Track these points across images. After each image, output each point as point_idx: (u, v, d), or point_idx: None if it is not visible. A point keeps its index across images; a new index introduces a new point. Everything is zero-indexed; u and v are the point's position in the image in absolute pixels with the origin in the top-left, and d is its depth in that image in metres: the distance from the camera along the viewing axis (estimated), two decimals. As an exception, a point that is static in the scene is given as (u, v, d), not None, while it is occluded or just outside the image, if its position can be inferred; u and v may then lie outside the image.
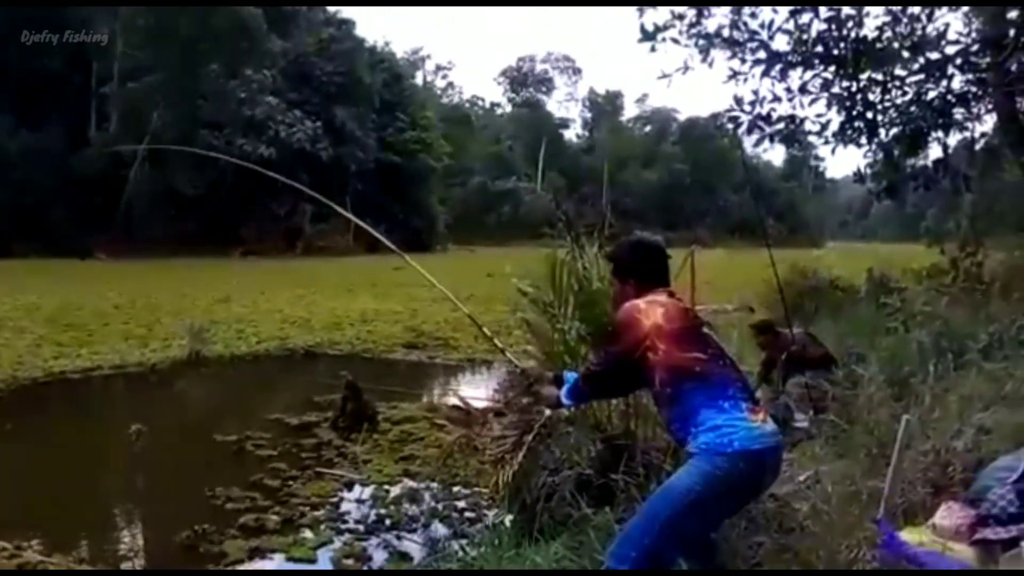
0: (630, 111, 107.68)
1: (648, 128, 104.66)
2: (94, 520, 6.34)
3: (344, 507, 6.15)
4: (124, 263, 34.26)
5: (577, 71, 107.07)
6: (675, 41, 7.99)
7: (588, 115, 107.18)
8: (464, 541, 5.07)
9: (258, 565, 5.14)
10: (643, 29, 7.81)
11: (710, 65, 8.09)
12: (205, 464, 7.56)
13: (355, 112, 52.68)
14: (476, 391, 10.85)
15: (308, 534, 5.58)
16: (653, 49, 7.85)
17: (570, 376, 3.41)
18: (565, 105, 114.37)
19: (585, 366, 3.22)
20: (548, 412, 4.42)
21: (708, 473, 2.72)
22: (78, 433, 8.90)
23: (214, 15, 41.06)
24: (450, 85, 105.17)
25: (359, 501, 6.23)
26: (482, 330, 4.69)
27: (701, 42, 8.03)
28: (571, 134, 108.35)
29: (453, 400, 6.88)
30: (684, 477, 2.79)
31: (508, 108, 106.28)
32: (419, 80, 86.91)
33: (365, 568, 5.05)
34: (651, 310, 2.96)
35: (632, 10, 7.93)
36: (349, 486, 6.60)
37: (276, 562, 5.17)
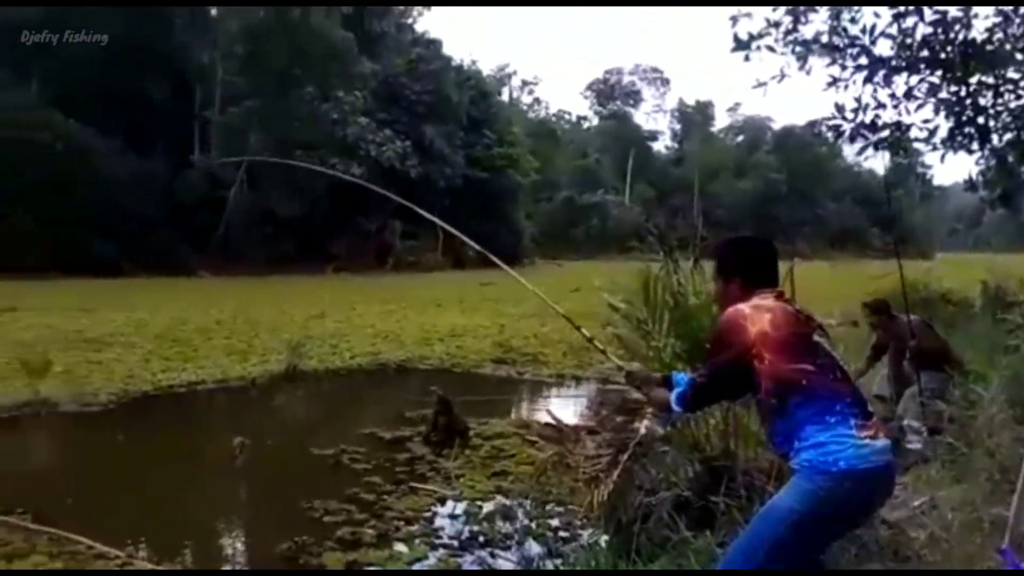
0: (721, 121, 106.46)
1: (741, 138, 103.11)
2: (199, 529, 6.53)
3: (438, 522, 6.18)
4: (224, 280, 35.46)
5: (665, 82, 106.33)
6: (770, 49, 7.85)
7: (677, 126, 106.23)
8: (559, 561, 5.03)
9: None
10: (736, 38, 7.70)
11: (808, 72, 7.91)
12: (303, 477, 7.71)
13: (443, 130, 53.45)
14: (566, 407, 10.85)
15: (403, 548, 5.62)
16: (747, 58, 7.72)
17: (680, 378, 3.29)
18: (653, 117, 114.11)
19: (692, 377, 3.09)
20: (643, 429, 4.35)
21: (810, 492, 2.60)
22: (184, 445, 9.20)
23: (307, 40, 42.29)
24: (536, 100, 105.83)
25: (452, 517, 6.25)
26: (581, 331, 4.58)
27: (798, 49, 7.85)
28: (659, 146, 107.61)
29: (544, 417, 6.85)
30: (785, 497, 2.67)
31: (595, 121, 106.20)
32: (506, 96, 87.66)
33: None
34: (757, 316, 2.80)
35: (724, 19, 7.84)
36: (442, 501, 6.64)
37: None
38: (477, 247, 5.53)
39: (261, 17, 42.79)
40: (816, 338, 2.88)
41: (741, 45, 7.70)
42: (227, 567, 5.57)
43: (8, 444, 9.30)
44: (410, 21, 61.48)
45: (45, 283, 30.71)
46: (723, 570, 2.82)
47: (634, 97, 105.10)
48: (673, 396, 3.11)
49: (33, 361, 10.71)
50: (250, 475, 7.79)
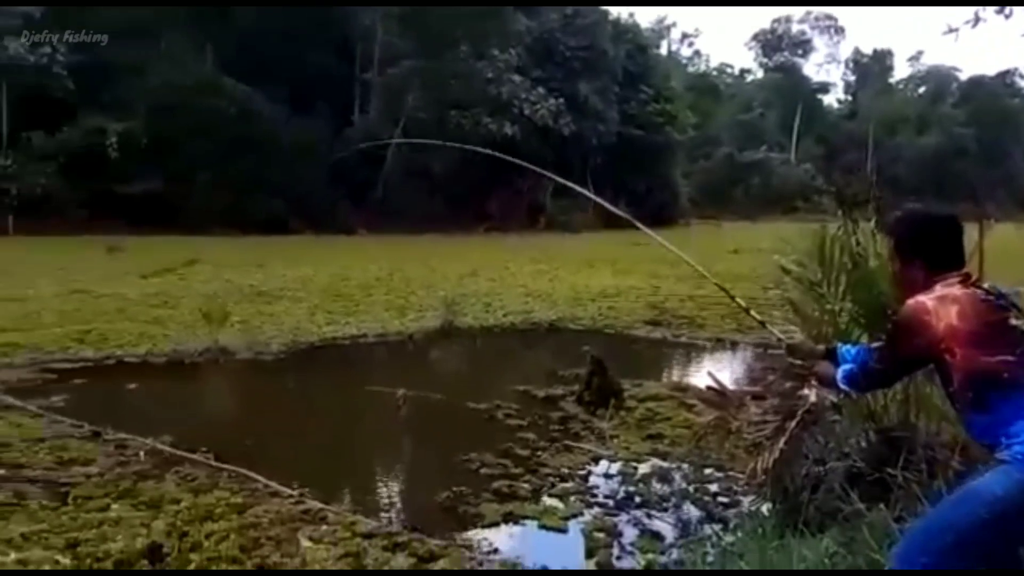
0: (900, 71, 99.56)
1: (922, 89, 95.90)
2: (363, 474, 6.87)
3: (592, 480, 6.20)
4: (381, 238, 36.68)
5: (839, 31, 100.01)
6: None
7: (851, 77, 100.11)
8: (718, 526, 4.95)
9: (512, 529, 5.30)
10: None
11: (1007, 16, 7.21)
12: (460, 429, 7.91)
13: (598, 86, 52.80)
14: (724, 372, 10.60)
15: (558, 504, 5.68)
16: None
17: (845, 351, 3.11)
18: (825, 68, 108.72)
19: (864, 354, 2.89)
20: (812, 397, 4.18)
21: (1020, 483, 2.36)
22: (348, 394, 9.62)
23: (463, -1, 42.69)
24: (696, 53, 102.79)
25: (607, 476, 6.25)
26: (736, 300, 4.44)
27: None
28: (831, 99, 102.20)
29: (703, 380, 6.71)
30: (992, 484, 2.42)
31: (759, 74, 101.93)
32: (664, 50, 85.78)
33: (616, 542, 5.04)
34: (942, 309, 2.55)
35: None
36: (596, 460, 6.65)
37: (529, 527, 5.31)
38: (620, 212, 5.44)
39: (421, -25, 43.49)
40: (1014, 322, 2.61)
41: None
42: (387, 512, 5.78)
43: (192, 388, 10.04)
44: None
45: (221, 239, 32.79)
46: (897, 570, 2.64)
47: (804, 47, 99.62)
48: (840, 373, 2.94)
49: (213, 312, 11.45)
50: (410, 425, 8.06)
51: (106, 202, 36.53)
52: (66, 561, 4.56)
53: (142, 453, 6.57)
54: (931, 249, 2.76)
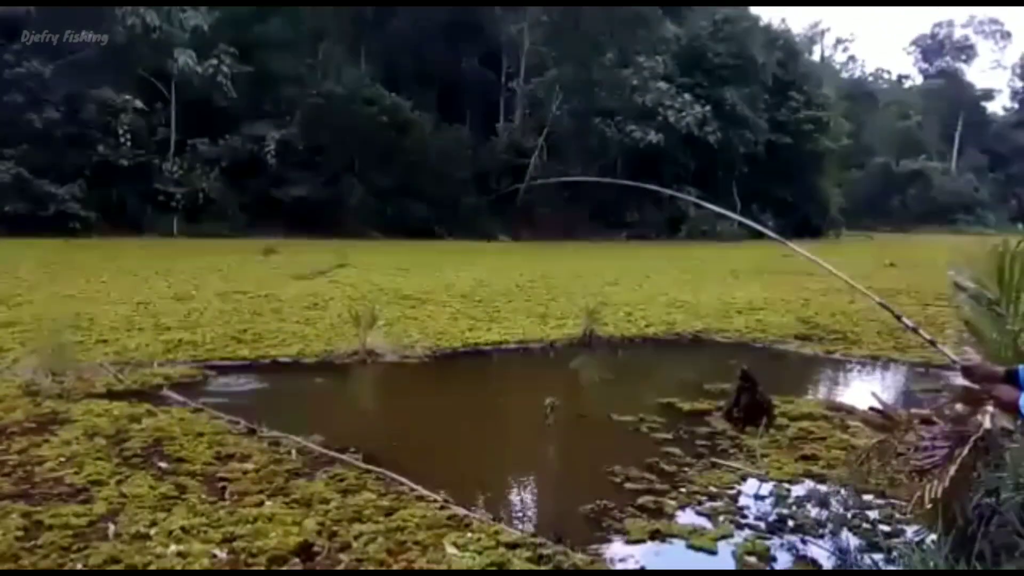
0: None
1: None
2: (509, 482, 6.86)
3: (742, 501, 5.98)
4: (523, 245, 37.06)
5: (1006, 35, 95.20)
6: None
7: (1018, 84, 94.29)
8: (880, 556, 4.66)
9: (659, 547, 5.16)
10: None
11: None
12: (604, 441, 7.83)
13: (746, 93, 51.63)
14: (883, 393, 10.06)
15: (707, 524, 5.50)
16: None
17: None
18: (989, 74, 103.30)
19: None
20: (987, 423, 3.89)
21: None
22: (493, 400, 9.72)
23: (614, 6, 42.58)
24: (851, 59, 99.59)
25: (758, 497, 6.02)
26: (902, 320, 4.16)
27: None
28: (995, 106, 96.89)
29: (860, 400, 6.37)
30: None
31: (919, 80, 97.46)
32: (816, 56, 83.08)
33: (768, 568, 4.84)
34: None
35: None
36: (745, 479, 6.42)
37: (677, 546, 5.16)
38: (735, 217, 5.21)
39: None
40: None
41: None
42: (530, 522, 5.76)
43: (342, 388, 10.37)
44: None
45: (369, 243, 34.01)
46: None
47: (967, 52, 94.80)
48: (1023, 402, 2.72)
49: (362, 314, 11.80)
50: (553, 435, 8.04)
51: (264, 206, 38.66)
52: (223, 555, 4.75)
53: (294, 451, 6.81)
54: None
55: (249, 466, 6.37)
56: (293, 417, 7.98)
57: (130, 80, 36.68)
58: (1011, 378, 2.98)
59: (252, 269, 21.82)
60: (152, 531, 5.05)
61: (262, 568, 4.65)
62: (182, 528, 5.08)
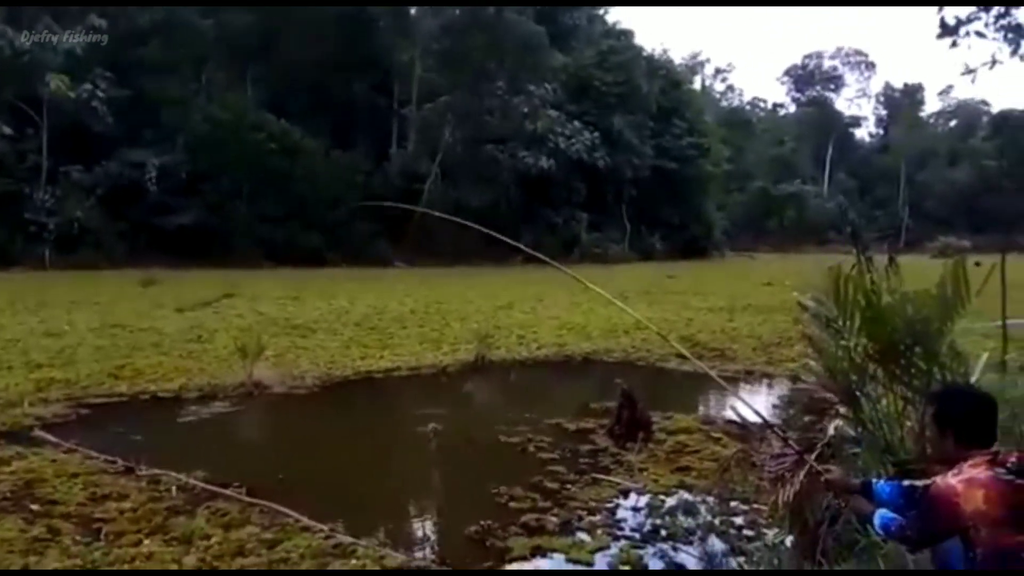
0: (931, 105, 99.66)
1: (953, 123, 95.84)
2: (394, 507, 6.92)
3: (620, 514, 6.22)
4: (417, 271, 37.04)
5: (870, 66, 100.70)
6: (980, 35, 7.29)
7: (883, 112, 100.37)
8: (742, 559, 4.95)
9: (540, 563, 5.33)
10: (943, 24, 7.21)
11: (1022, 58, 7.29)
12: (491, 463, 7.99)
13: (632, 120, 53.10)
14: (753, 405, 10.55)
15: (586, 537, 5.70)
16: (955, 44, 7.20)
17: (880, 487, 3.20)
18: (856, 103, 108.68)
19: (900, 524, 2.97)
20: (831, 429, 4.22)
21: None
22: (381, 428, 9.74)
23: (502, 35, 43.28)
24: (729, 88, 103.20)
25: (635, 509, 6.27)
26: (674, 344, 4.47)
27: (1010, 35, 7.26)
28: (862, 133, 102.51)
29: (729, 413, 6.72)
30: None
31: (792, 108, 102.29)
32: (697, 85, 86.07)
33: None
34: (970, 493, 2.70)
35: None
36: (625, 493, 6.67)
37: (556, 562, 5.34)
38: (539, 256, 5.50)
39: (458, 15, 44.26)
40: None
41: (948, 31, 7.21)
42: (418, 546, 5.84)
43: (227, 422, 10.16)
44: (601, 12, 61.66)
45: (257, 272, 33.29)
46: None
47: (835, 82, 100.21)
48: (879, 520, 3.01)
49: (248, 346, 11.62)
50: (442, 459, 8.15)
51: (144, 235, 37.33)
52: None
53: (174, 488, 6.70)
54: (962, 426, 2.90)
55: (126, 505, 6.24)
56: (174, 453, 7.83)
57: (-2, 105, 35.09)
58: (866, 489, 3.29)
59: (131, 302, 21.08)
60: (23, 576, 4.92)
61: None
62: (55, 571, 4.95)
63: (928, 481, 2.86)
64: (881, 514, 3.00)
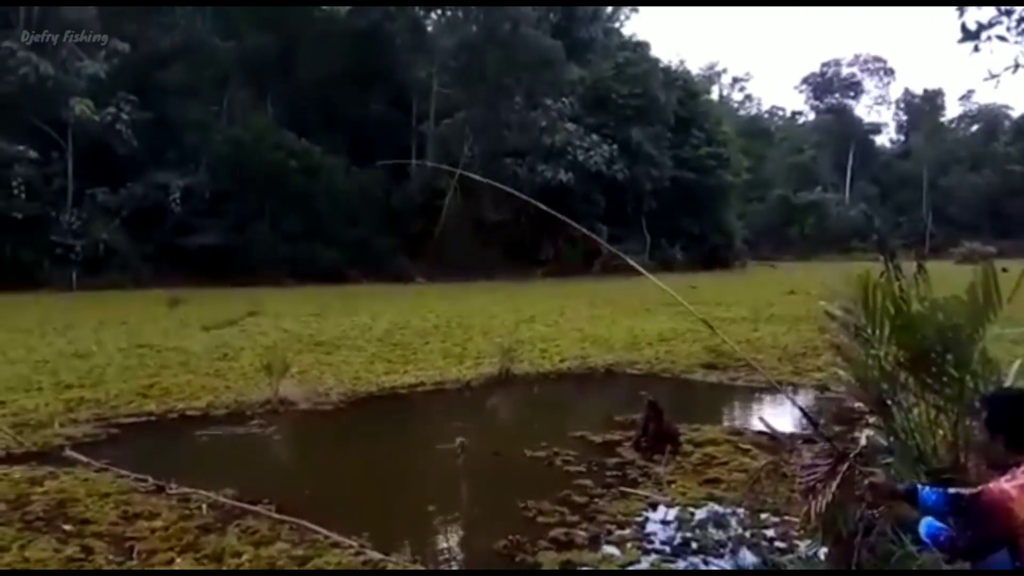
0: (952, 110, 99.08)
1: (975, 128, 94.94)
2: (422, 523, 6.92)
3: (649, 527, 6.19)
4: (439, 286, 37.10)
5: (889, 72, 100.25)
6: (1002, 39, 7.23)
7: (903, 118, 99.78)
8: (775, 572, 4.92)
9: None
10: (964, 28, 7.15)
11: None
12: (518, 477, 7.97)
13: (650, 132, 53.10)
14: (781, 416, 10.49)
15: (615, 551, 5.68)
16: (976, 49, 7.15)
17: (926, 495, 3.17)
18: (876, 109, 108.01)
19: (950, 537, 2.93)
20: (863, 440, 4.19)
21: None
22: (407, 444, 9.75)
23: (518, 50, 43.48)
24: (747, 97, 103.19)
25: (664, 522, 6.24)
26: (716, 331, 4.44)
27: (1033, 38, 7.20)
28: (883, 139, 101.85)
29: (758, 424, 6.68)
30: None
31: (811, 116, 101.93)
32: (715, 95, 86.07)
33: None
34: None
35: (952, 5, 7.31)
36: (653, 506, 6.64)
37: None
38: (629, 260, 5.51)
39: (474, 31, 44.54)
40: None
41: (969, 35, 7.14)
42: (445, 561, 5.84)
43: (254, 439, 10.16)
44: (617, 25, 61.81)
45: (281, 290, 33.52)
46: None
47: (854, 89, 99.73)
48: (926, 529, 2.99)
49: (273, 363, 11.69)
50: (469, 473, 8.14)
51: (169, 256, 37.70)
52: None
53: (205, 506, 6.74)
54: (1014, 430, 2.88)
55: (158, 524, 6.28)
56: (203, 472, 7.89)
57: (24, 130, 35.52)
58: (911, 495, 3.25)
59: (157, 321, 21.28)
60: (57, 595, 4.96)
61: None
62: (55, 571, 4.99)
63: (976, 489, 2.83)
64: (928, 523, 2.96)
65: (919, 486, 3.25)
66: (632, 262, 5.36)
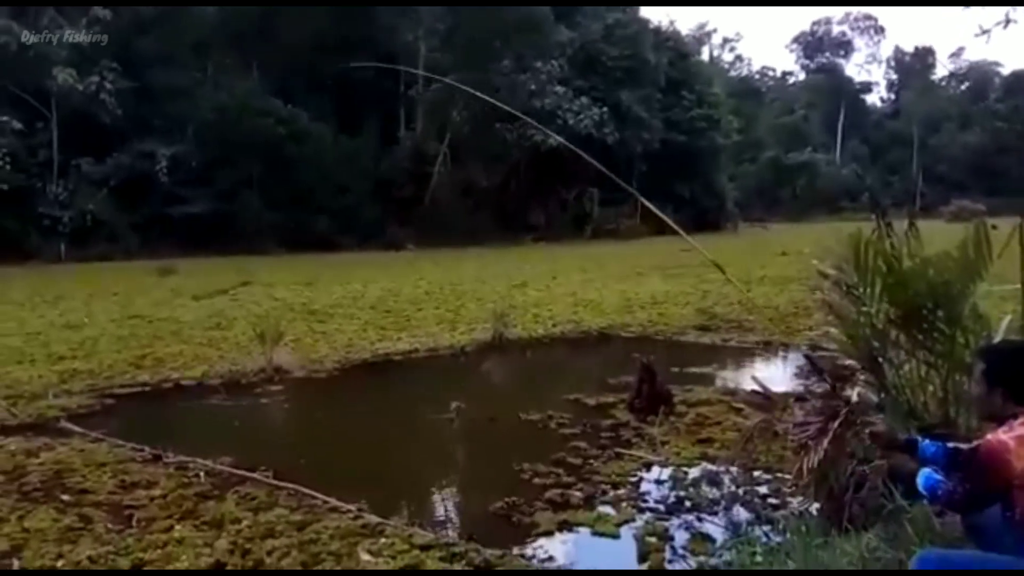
0: (942, 69, 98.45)
1: (965, 85, 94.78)
2: (419, 487, 6.97)
3: (644, 487, 6.26)
4: (430, 252, 37.04)
5: (880, 30, 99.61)
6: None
7: (893, 76, 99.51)
8: (768, 527, 4.98)
9: (566, 537, 5.39)
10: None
11: (1039, 18, 7.19)
12: (513, 440, 8.03)
13: (641, 94, 52.75)
14: (773, 374, 10.57)
15: (610, 511, 5.75)
16: (968, 4, 7.10)
17: (925, 446, 3.20)
18: (866, 68, 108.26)
19: (948, 488, 2.95)
20: (854, 396, 4.24)
21: None
22: (403, 409, 9.77)
23: (505, 13, 42.96)
24: (738, 58, 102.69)
25: (658, 482, 6.31)
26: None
27: (1025, -7, 7.16)
28: (874, 98, 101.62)
29: (750, 384, 6.74)
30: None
31: (802, 76, 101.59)
32: (705, 56, 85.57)
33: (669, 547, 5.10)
34: (1021, 449, 2.73)
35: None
36: (648, 467, 6.71)
37: (583, 535, 5.40)
38: (668, 220, 5.55)
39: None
40: None
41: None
42: (443, 524, 5.90)
43: (250, 407, 10.23)
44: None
45: (271, 259, 33.46)
46: None
47: (845, 48, 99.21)
48: (924, 481, 3.02)
49: (267, 332, 11.71)
50: (465, 438, 8.21)
51: (157, 226, 37.47)
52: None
53: (202, 474, 6.77)
54: (1014, 383, 2.90)
55: (156, 492, 6.31)
56: (200, 440, 7.93)
57: (6, 100, 35.07)
58: (911, 446, 3.27)
59: (149, 292, 21.23)
60: (59, 563, 5.00)
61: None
62: (89, 558, 5.03)
63: (974, 443, 2.87)
64: (927, 475, 3.01)
65: (919, 438, 3.30)
66: (671, 223, 5.30)
